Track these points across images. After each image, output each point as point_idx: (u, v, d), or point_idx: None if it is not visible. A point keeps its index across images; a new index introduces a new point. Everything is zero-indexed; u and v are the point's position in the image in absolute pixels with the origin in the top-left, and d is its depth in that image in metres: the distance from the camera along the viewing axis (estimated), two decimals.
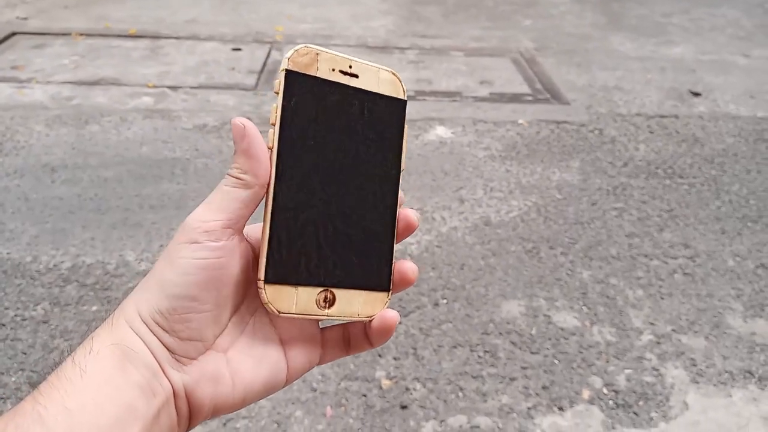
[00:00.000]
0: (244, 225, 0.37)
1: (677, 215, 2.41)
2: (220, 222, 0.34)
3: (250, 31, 4.06)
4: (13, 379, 1.59)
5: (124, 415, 0.31)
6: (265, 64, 3.60)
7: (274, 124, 0.36)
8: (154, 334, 0.34)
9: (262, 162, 0.35)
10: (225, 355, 0.36)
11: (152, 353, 0.34)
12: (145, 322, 0.34)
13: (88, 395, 0.31)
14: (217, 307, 0.35)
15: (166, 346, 0.34)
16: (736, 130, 3.11)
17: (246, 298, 0.37)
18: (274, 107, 0.36)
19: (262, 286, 0.35)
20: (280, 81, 0.36)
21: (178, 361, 0.35)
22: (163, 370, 0.34)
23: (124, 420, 0.31)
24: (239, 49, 3.79)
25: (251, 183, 0.35)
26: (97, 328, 0.35)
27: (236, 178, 0.35)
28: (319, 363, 0.39)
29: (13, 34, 3.78)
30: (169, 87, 3.23)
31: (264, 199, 0.36)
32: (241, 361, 0.36)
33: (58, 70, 3.35)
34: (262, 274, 0.35)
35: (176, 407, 0.34)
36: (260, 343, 0.37)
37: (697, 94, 3.50)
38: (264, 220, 0.35)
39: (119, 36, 3.88)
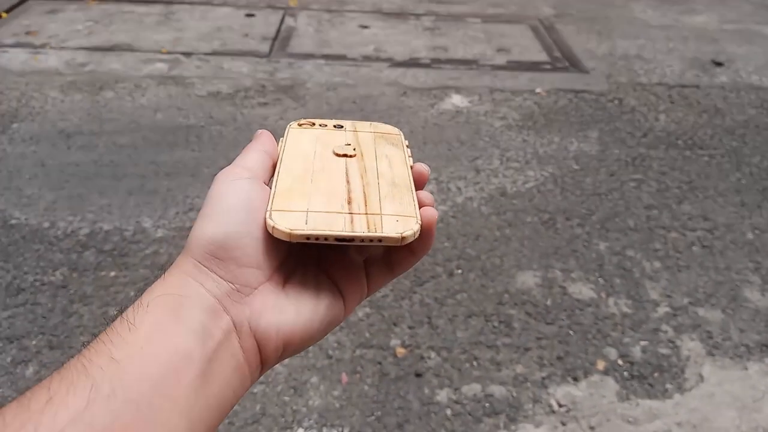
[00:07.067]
0: (268, 177, 0.40)
1: (696, 187, 2.37)
2: (244, 167, 0.39)
3: None
4: (33, 342, 1.61)
5: (177, 362, 0.30)
6: (279, 30, 3.56)
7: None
8: (211, 270, 0.34)
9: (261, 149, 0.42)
10: (283, 289, 0.36)
11: (209, 292, 0.33)
12: (200, 262, 0.34)
13: (136, 346, 0.30)
14: (266, 235, 0.36)
15: (224, 279, 0.34)
16: (759, 102, 3.05)
17: (291, 251, 0.38)
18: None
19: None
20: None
21: (239, 292, 0.34)
22: (223, 306, 0.33)
23: (176, 367, 0.30)
24: (253, 15, 3.74)
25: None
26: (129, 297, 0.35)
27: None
28: (368, 293, 0.40)
29: None
30: (183, 53, 3.20)
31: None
32: (300, 294, 0.36)
33: (72, 36, 3.33)
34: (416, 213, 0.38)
35: (240, 343, 0.34)
36: (312, 280, 0.37)
37: (719, 64, 3.42)
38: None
39: (132, 1, 3.84)
